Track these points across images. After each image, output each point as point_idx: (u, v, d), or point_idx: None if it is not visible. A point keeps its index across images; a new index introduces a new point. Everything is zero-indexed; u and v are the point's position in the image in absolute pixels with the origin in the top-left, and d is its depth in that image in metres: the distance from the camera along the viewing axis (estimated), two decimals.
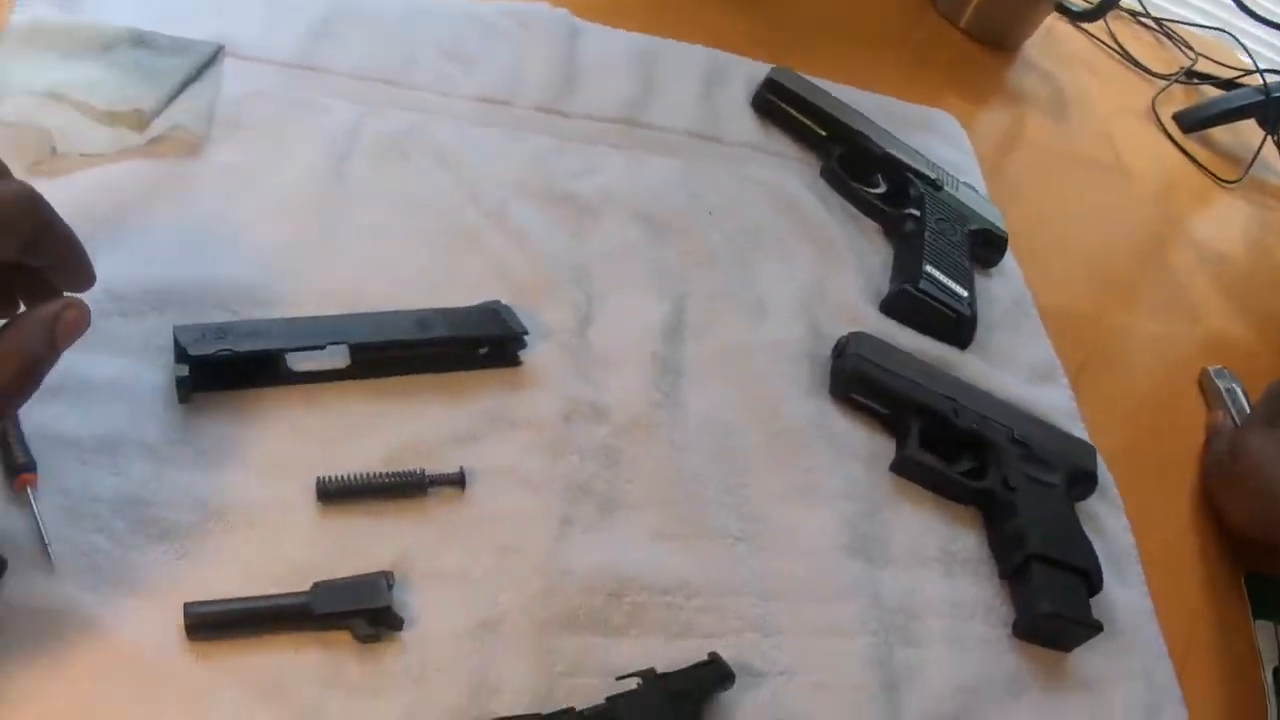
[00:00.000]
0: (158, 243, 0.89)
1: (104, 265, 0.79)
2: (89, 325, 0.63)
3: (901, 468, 0.98)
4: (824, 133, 1.25)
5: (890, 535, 0.93)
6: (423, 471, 0.80)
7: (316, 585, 0.73)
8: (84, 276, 0.67)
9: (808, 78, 1.29)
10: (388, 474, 0.80)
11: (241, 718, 0.68)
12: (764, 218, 1.15)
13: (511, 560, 0.80)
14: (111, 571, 0.71)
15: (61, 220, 0.63)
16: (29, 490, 0.72)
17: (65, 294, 0.64)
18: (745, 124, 1.25)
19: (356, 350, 0.84)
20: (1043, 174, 1.51)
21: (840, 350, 1.02)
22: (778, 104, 1.27)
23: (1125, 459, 1.12)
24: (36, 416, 0.75)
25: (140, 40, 1.02)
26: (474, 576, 0.78)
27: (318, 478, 0.78)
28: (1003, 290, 1.23)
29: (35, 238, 0.61)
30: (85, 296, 0.66)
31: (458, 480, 0.82)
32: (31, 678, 0.65)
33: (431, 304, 0.91)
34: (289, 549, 0.76)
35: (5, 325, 0.60)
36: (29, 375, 0.60)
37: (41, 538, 0.70)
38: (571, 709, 0.72)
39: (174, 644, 0.69)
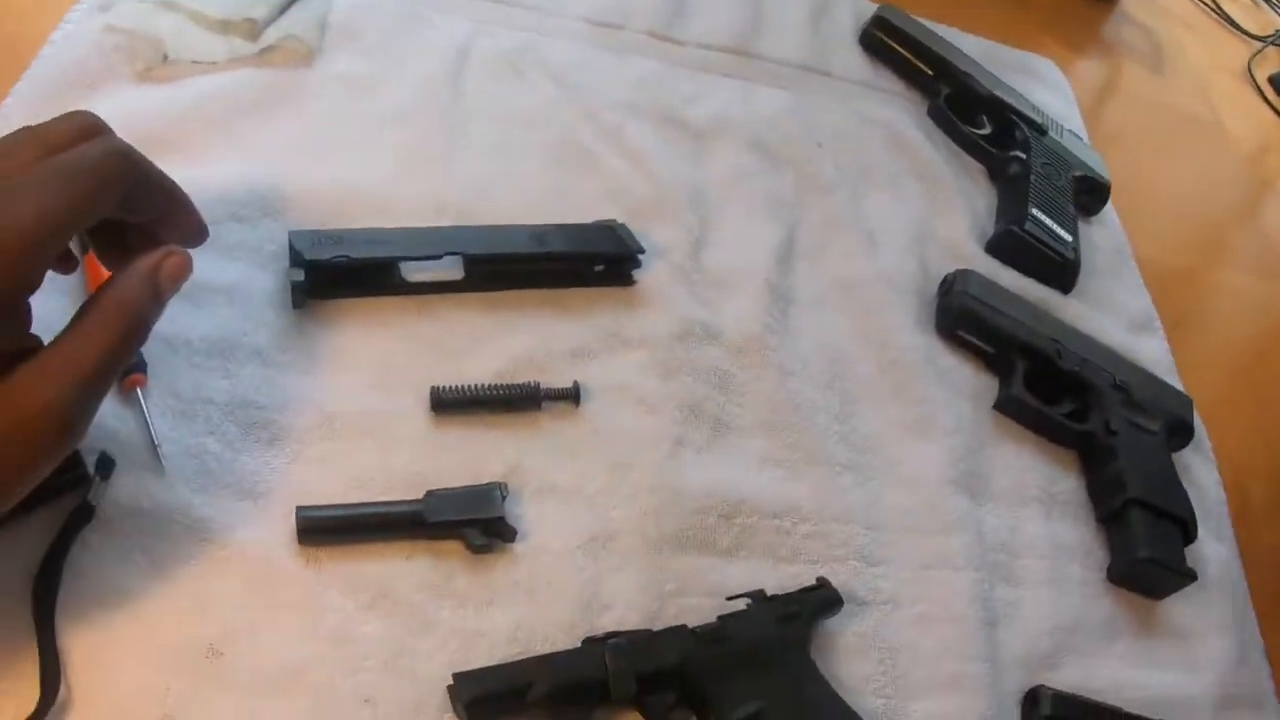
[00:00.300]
0: (272, 150, 0.89)
1: (218, 171, 0.83)
2: (191, 272, 0.62)
3: (1005, 406, 0.97)
4: (931, 72, 1.23)
5: (993, 473, 0.92)
6: (537, 385, 0.80)
7: (429, 494, 0.73)
8: (193, 229, 0.67)
9: (916, 18, 1.27)
10: (502, 386, 0.79)
11: (349, 623, 0.68)
12: (873, 153, 1.13)
13: (624, 477, 0.80)
14: (222, 474, 0.71)
15: (161, 174, 0.62)
16: (138, 391, 0.72)
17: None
18: (853, 59, 1.23)
19: (472, 262, 0.83)
20: (1139, 126, 1.48)
21: (947, 287, 1.01)
22: (885, 41, 1.25)
23: (1218, 413, 1.11)
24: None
25: None
26: (587, 492, 0.78)
27: (432, 387, 0.78)
28: (1103, 238, 1.21)
29: (132, 194, 0.60)
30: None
31: (572, 395, 0.81)
32: (140, 577, 0.66)
33: (546, 220, 0.90)
34: (401, 458, 0.76)
35: (108, 280, 0.59)
36: (136, 328, 0.59)
37: (151, 439, 0.70)
38: (683, 626, 0.71)
39: (284, 548, 0.70)
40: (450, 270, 0.84)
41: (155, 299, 0.60)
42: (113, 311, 0.57)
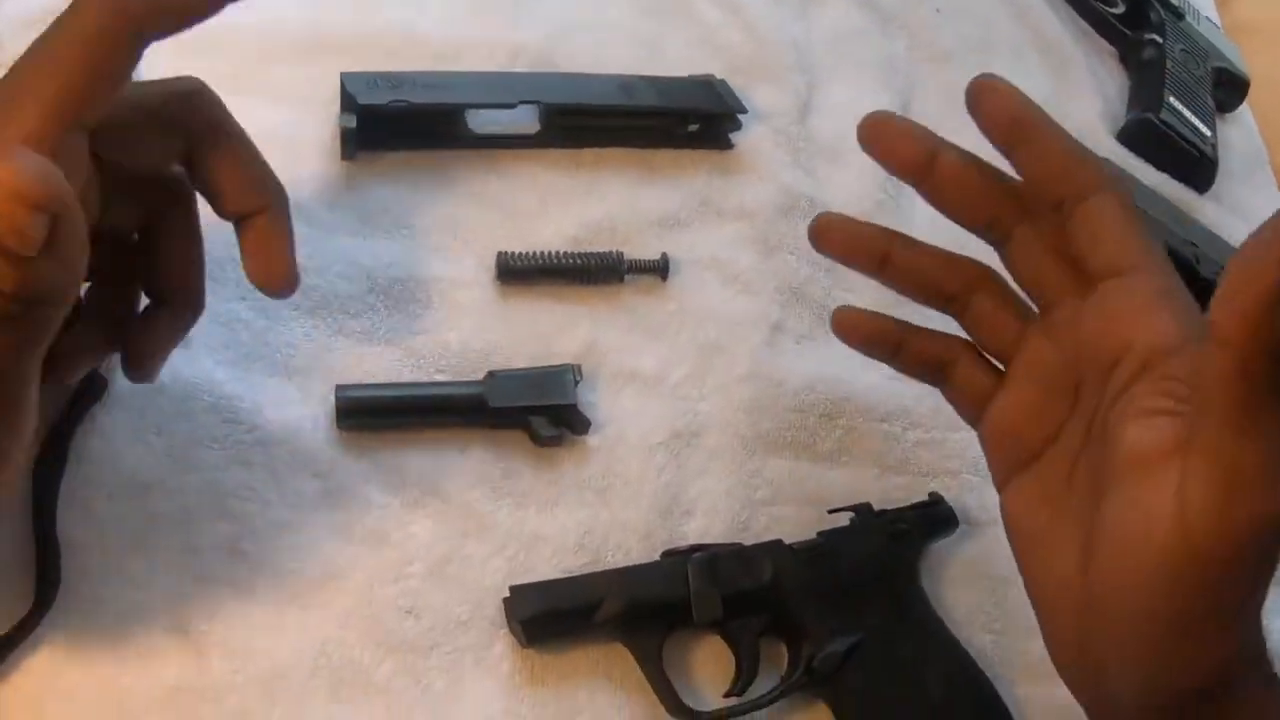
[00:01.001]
0: None
1: (263, 6, 0.78)
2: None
3: None
4: None
5: None
6: (619, 254, 0.74)
7: (491, 375, 0.67)
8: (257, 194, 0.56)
9: None
10: (579, 254, 0.74)
11: (392, 523, 0.64)
12: (995, 23, 1.05)
13: (714, 364, 0.74)
14: (253, 345, 0.67)
15: (234, 123, 0.55)
16: None
17: None
18: None
19: (550, 113, 0.77)
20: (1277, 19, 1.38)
21: None
22: None
23: None
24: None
25: None
26: (671, 380, 0.73)
27: (499, 253, 0.72)
28: (1239, 139, 1.13)
29: (200, 139, 0.53)
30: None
31: (658, 268, 0.75)
32: (155, 463, 0.62)
33: (634, 71, 0.83)
34: (460, 332, 0.70)
35: None
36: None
37: None
38: (778, 541, 0.65)
39: (321, 431, 0.65)
40: (524, 122, 0.78)
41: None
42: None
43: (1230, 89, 1.12)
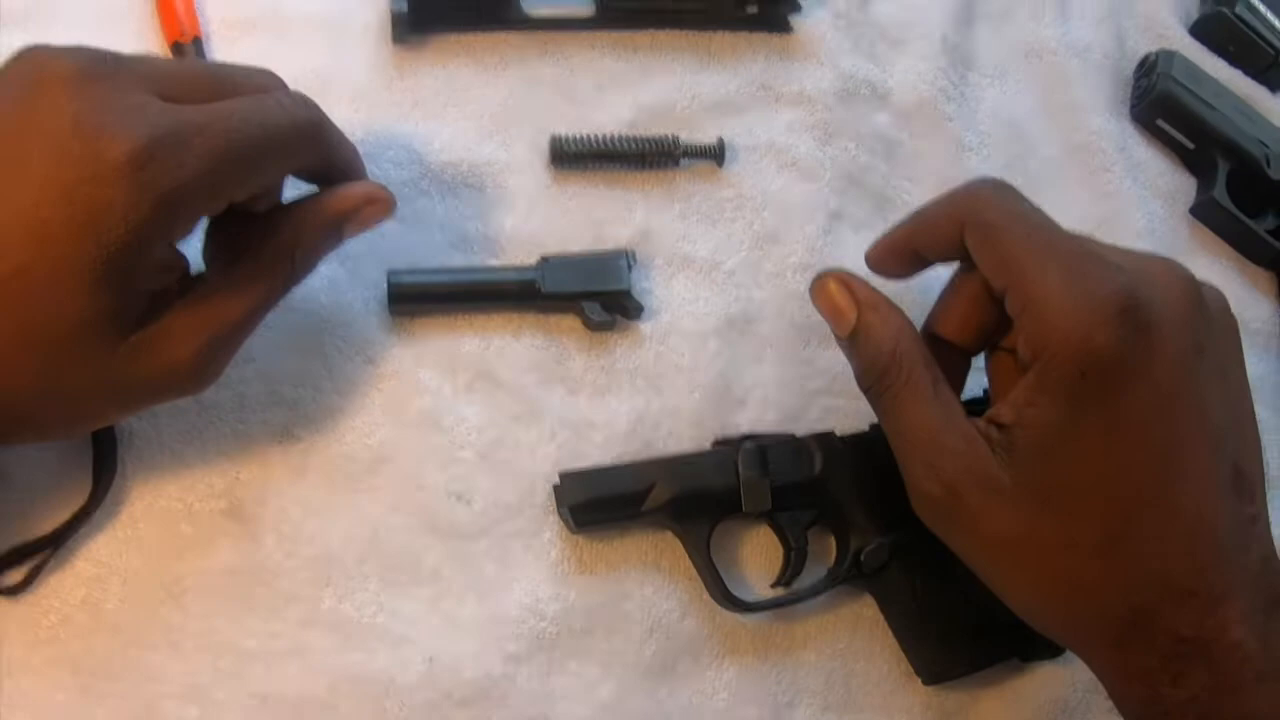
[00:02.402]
0: None
1: None
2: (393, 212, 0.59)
3: (1202, 212, 0.89)
4: None
5: None
6: (675, 138, 0.73)
7: (544, 260, 0.67)
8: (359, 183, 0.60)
9: None
10: (634, 138, 0.73)
11: (443, 407, 0.64)
12: None
13: (771, 252, 0.73)
14: None
15: (344, 138, 0.58)
16: None
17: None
18: None
19: None
20: None
21: (1148, 68, 0.91)
22: None
23: None
24: (229, 51, 0.71)
25: None
26: (726, 267, 0.72)
27: (552, 136, 0.72)
28: None
29: (314, 156, 0.57)
30: None
31: (715, 153, 0.74)
32: None
33: None
34: (513, 217, 0.70)
35: (287, 211, 0.56)
36: (303, 274, 0.57)
37: None
38: (830, 433, 0.65)
39: (373, 317, 0.66)
40: (578, 4, 0.76)
41: (335, 244, 0.58)
42: (274, 264, 0.55)
43: None
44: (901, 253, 0.62)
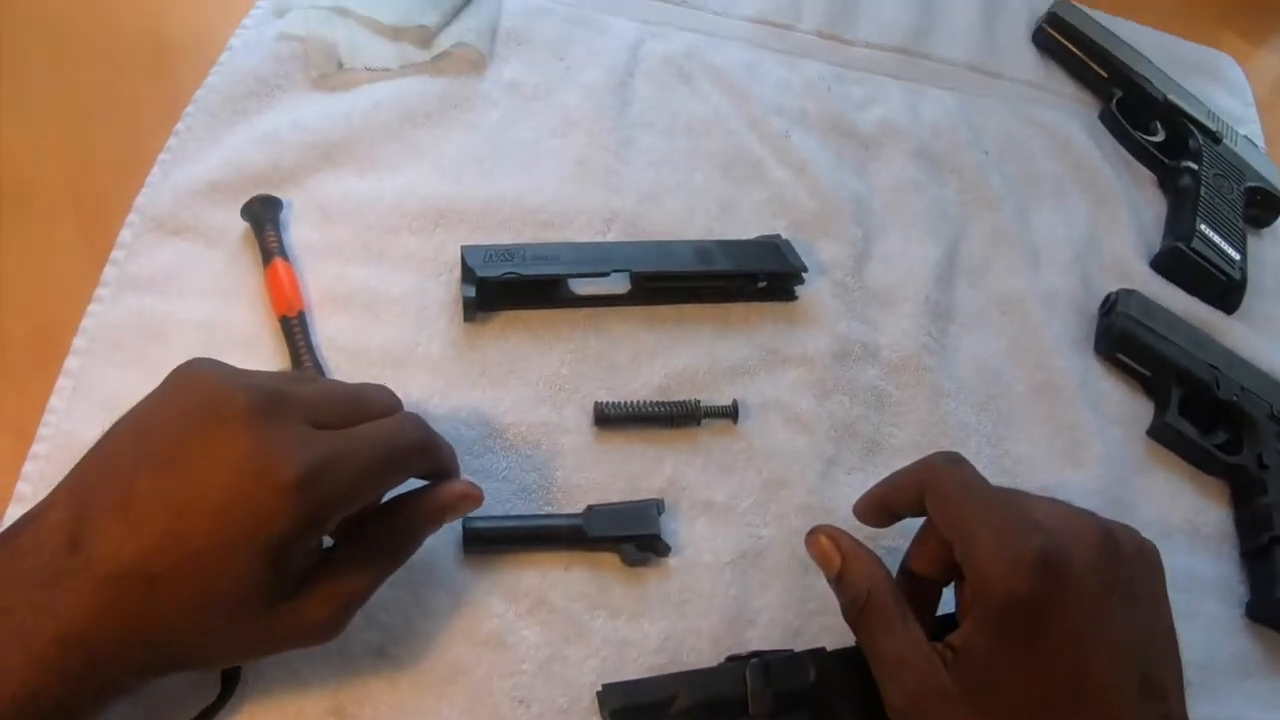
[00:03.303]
0: (444, 159, 0.92)
1: (391, 180, 0.87)
2: (481, 503, 0.69)
3: (1159, 434, 0.94)
4: (1104, 74, 1.20)
5: (1138, 502, 0.90)
6: (697, 402, 0.81)
7: (590, 508, 0.75)
8: (451, 480, 0.71)
9: (1088, 11, 1.23)
10: (664, 403, 0.81)
11: (508, 628, 0.71)
12: (1040, 161, 1.11)
13: (777, 495, 0.81)
14: None
15: (445, 444, 0.69)
16: None
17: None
18: (1025, 58, 1.20)
19: (638, 278, 0.85)
20: None
21: (1110, 307, 0.99)
22: (1059, 40, 1.21)
23: None
24: (327, 322, 0.81)
25: None
26: (739, 509, 0.80)
27: (596, 403, 0.80)
28: (1272, 254, 1.15)
29: (429, 469, 0.68)
30: None
31: (730, 413, 0.82)
32: None
33: (710, 230, 0.92)
34: (563, 470, 0.78)
35: (397, 502, 0.66)
36: (412, 552, 0.66)
37: None
38: (822, 648, 0.71)
39: (450, 554, 0.73)
40: (616, 285, 0.86)
41: (435, 528, 0.67)
42: (392, 548, 0.65)
43: (1265, 207, 1.15)
44: (879, 509, 0.71)
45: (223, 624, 0.57)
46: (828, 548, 0.68)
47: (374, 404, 0.66)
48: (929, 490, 0.66)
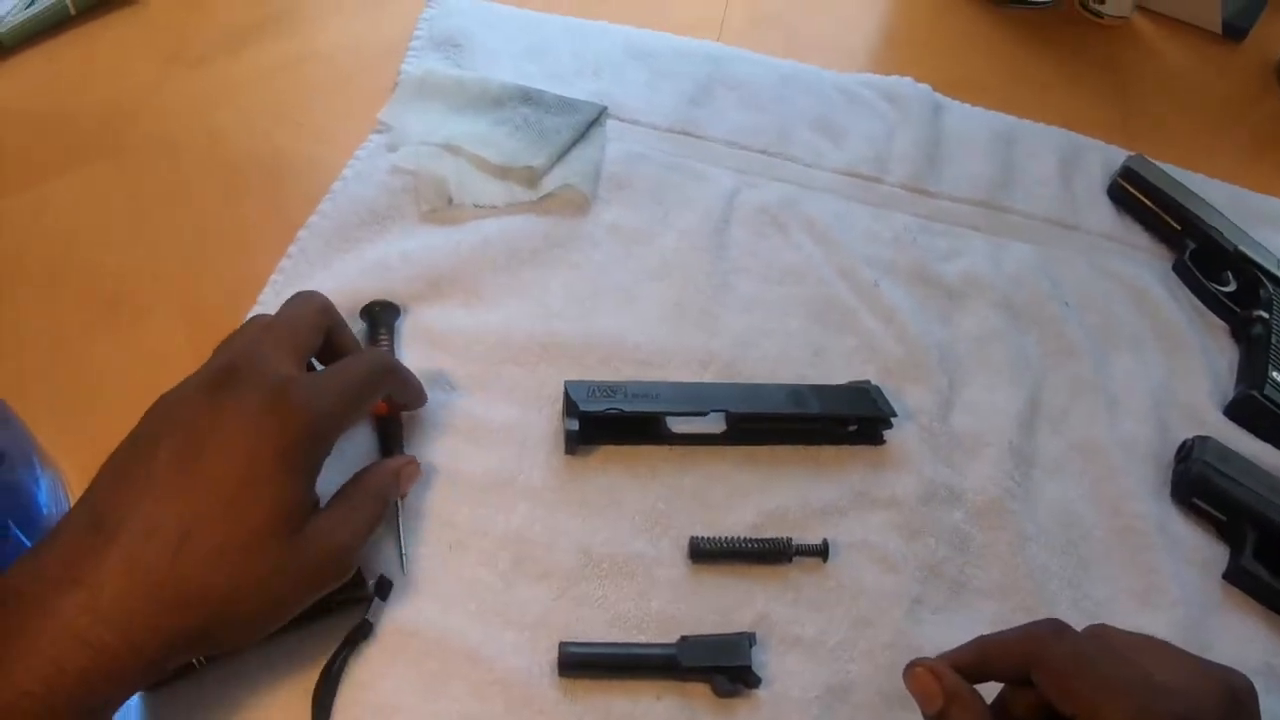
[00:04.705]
0: (548, 295, 0.96)
1: (498, 313, 0.92)
2: (420, 477, 0.82)
3: (1234, 577, 0.95)
4: (1178, 227, 1.22)
5: (1214, 642, 0.90)
6: (789, 540, 0.83)
7: (683, 639, 0.77)
8: (418, 400, 0.85)
9: (1162, 165, 1.26)
10: (757, 539, 0.83)
11: None
12: (1117, 311, 1.13)
13: (865, 633, 0.81)
14: (493, 602, 0.78)
15: (408, 372, 0.82)
16: (397, 505, 0.82)
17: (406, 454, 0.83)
18: (1101, 212, 1.23)
19: (733, 418, 0.87)
20: None
21: (1186, 453, 1.00)
22: (1134, 194, 1.24)
23: None
24: (426, 452, 0.85)
25: (528, 98, 1.09)
26: (829, 645, 0.80)
27: (691, 538, 0.82)
28: None
29: (398, 389, 0.81)
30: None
31: (821, 551, 0.84)
32: (411, 692, 0.73)
33: (803, 375, 0.95)
34: (658, 601, 0.80)
35: (364, 472, 0.76)
36: (383, 512, 0.75)
37: (399, 550, 0.81)
38: None
39: (545, 678, 0.75)
40: (712, 424, 0.88)
41: (395, 492, 0.78)
42: (372, 494, 0.74)
43: None
44: (972, 673, 0.66)
45: (255, 563, 0.62)
46: (929, 685, 0.65)
47: (349, 343, 0.79)
48: (1037, 664, 0.63)
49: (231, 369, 0.67)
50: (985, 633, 0.69)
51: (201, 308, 0.90)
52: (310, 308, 0.76)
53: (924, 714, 0.65)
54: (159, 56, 1.12)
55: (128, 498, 0.60)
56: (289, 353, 0.71)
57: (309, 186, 0.99)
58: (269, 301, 0.89)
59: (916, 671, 0.66)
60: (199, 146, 1.02)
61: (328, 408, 0.68)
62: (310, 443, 0.66)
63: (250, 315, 0.84)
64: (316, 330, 0.75)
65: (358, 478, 0.74)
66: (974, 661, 0.66)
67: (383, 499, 0.74)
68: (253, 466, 0.63)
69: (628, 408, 0.84)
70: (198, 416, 0.64)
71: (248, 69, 1.12)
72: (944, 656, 0.68)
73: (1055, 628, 0.64)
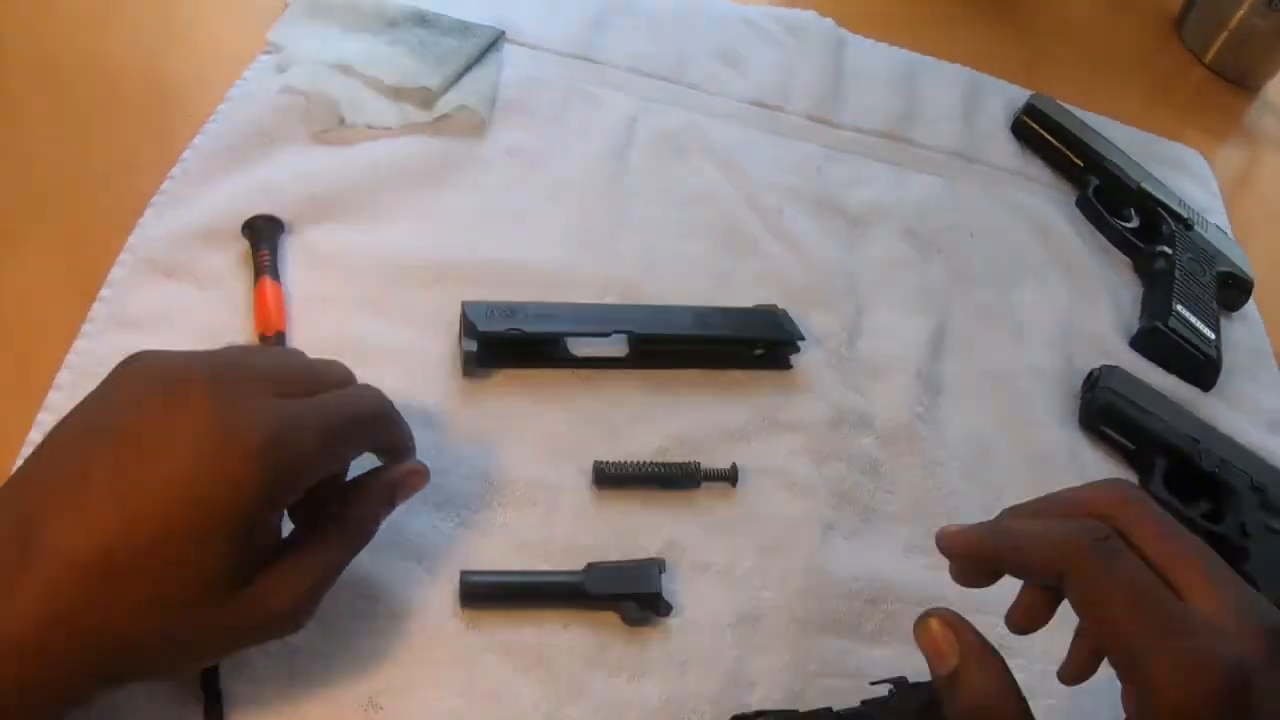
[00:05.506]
0: (442, 218, 0.93)
1: (391, 234, 0.88)
2: (428, 481, 0.69)
3: None
4: (1080, 163, 1.23)
5: None
6: (697, 465, 0.82)
7: (590, 566, 0.75)
8: (408, 456, 0.71)
9: (1065, 105, 1.28)
10: (663, 464, 0.81)
11: (506, 685, 0.70)
12: (1022, 243, 1.14)
13: (775, 559, 0.81)
14: (390, 535, 0.73)
15: (401, 419, 0.69)
16: None
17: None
18: (1004, 147, 1.24)
19: (637, 340, 0.86)
20: (1277, 220, 1.46)
21: (1092, 383, 1.01)
22: (1037, 130, 1.25)
23: None
24: None
25: (424, 20, 1.06)
26: (739, 572, 0.79)
27: (595, 462, 0.80)
28: (1244, 335, 1.19)
29: (382, 435, 0.68)
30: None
31: (730, 476, 0.83)
32: (305, 631, 0.67)
33: (705, 301, 0.93)
34: (563, 529, 0.78)
35: (346, 491, 0.66)
36: (369, 537, 0.65)
37: None
38: (828, 709, 0.71)
39: (447, 610, 0.72)
40: (615, 347, 0.86)
41: (389, 509, 0.67)
42: (353, 527, 0.64)
43: (1236, 290, 1.19)
44: (982, 565, 0.59)
45: (184, 618, 0.55)
46: (942, 641, 0.56)
47: (331, 374, 0.65)
48: (1073, 579, 0.53)
49: (239, 372, 0.59)
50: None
51: (81, 233, 0.84)
52: (368, 398, 0.66)
53: (932, 673, 0.57)
54: None
55: (56, 497, 0.53)
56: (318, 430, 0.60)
57: (195, 108, 0.94)
58: (150, 223, 0.85)
59: (929, 624, 0.57)
60: (80, 67, 0.96)
61: (306, 445, 0.58)
62: (275, 503, 0.57)
63: (131, 239, 0.82)
64: (359, 427, 0.64)
65: (343, 498, 0.65)
66: (994, 554, 0.58)
67: (366, 531, 0.65)
68: (197, 509, 0.54)
69: (528, 328, 0.82)
70: (163, 412, 0.55)
71: None
72: (961, 532, 0.60)
73: (1106, 544, 0.54)
